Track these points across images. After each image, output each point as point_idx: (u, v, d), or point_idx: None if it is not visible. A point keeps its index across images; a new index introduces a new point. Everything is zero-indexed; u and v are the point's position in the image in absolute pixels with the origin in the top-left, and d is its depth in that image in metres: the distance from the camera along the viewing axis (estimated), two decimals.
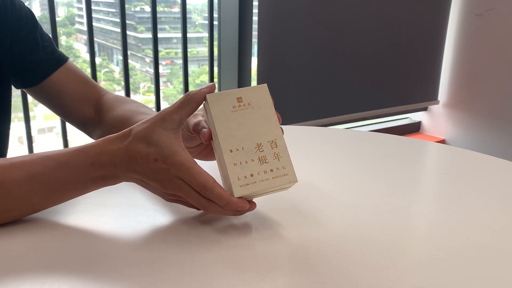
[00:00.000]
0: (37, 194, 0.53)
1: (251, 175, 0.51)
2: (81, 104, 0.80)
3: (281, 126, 0.55)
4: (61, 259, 0.48)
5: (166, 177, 0.50)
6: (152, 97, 1.98)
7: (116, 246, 0.50)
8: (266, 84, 0.55)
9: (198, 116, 0.58)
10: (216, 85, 2.08)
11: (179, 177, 0.50)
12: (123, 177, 0.53)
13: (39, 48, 0.76)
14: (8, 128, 0.78)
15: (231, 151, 0.51)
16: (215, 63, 2.09)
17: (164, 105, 2.14)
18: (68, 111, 0.81)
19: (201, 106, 0.54)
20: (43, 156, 0.53)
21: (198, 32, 2.55)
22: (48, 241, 0.51)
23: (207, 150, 0.63)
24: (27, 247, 0.50)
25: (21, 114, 1.71)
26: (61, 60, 0.79)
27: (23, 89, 0.80)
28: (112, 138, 0.53)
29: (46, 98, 0.80)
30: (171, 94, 2.96)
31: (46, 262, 0.47)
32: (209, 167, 0.55)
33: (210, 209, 0.52)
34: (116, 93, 0.84)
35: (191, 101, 0.52)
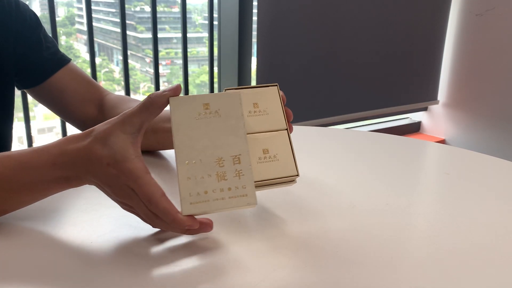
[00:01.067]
0: None
1: (205, 192, 0.46)
2: (83, 104, 0.80)
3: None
4: (61, 259, 0.48)
5: (117, 183, 0.48)
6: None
7: (116, 246, 0.50)
8: (239, 92, 0.51)
9: None
10: (216, 85, 2.09)
11: (128, 185, 0.47)
12: (85, 180, 0.50)
13: (42, 48, 0.77)
14: (11, 128, 0.79)
15: (187, 163, 0.47)
16: (215, 63, 2.09)
17: None
18: (71, 111, 0.81)
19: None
20: (3, 156, 0.51)
21: (198, 32, 2.55)
22: (48, 240, 0.51)
23: None
24: (27, 246, 0.50)
25: (21, 114, 1.71)
26: (64, 60, 0.80)
27: (26, 90, 0.81)
28: (74, 137, 0.50)
29: (49, 98, 0.80)
30: None
31: (46, 261, 0.47)
32: None
33: (157, 224, 0.49)
34: (116, 93, 0.85)
35: (153, 104, 0.49)
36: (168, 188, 0.52)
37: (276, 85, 0.56)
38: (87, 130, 0.50)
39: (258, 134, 0.53)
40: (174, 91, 0.49)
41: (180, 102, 0.48)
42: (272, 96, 0.55)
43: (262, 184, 0.51)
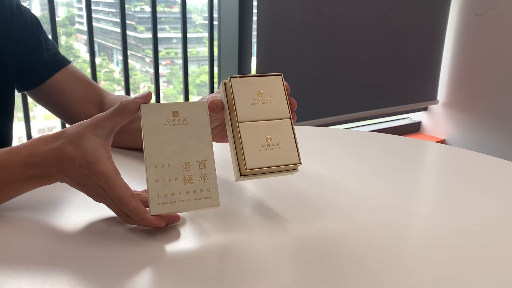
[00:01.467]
0: None
1: (172, 194, 0.50)
2: (83, 105, 0.81)
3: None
4: (61, 259, 0.48)
5: (89, 183, 0.51)
6: (152, 97, 1.97)
7: (116, 245, 0.50)
8: (206, 102, 0.54)
9: (217, 95, 0.59)
10: (216, 85, 2.09)
11: (100, 185, 0.50)
12: (57, 178, 0.53)
13: (42, 50, 0.78)
14: (11, 129, 0.79)
15: (156, 166, 0.50)
16: (215, 63, 2.09)
17: None
18: (71, 112, 0.81)
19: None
20: None
21: (198, 32, 2.55)
22: (47, 240, 0.51)
23: (223, 133, 0.64)
24: (26, 245, 0.50)
25: (21, 114, 1.71)
26: (64, 62, 0.80)
27: (26, 92, 0.81)
28: (45, 138, 0.53)
29: (49, 99, 0.81)
30: (171, 94, 2.96)
31: (45, 261, 0.47)
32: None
33: (127, 221, 0.52)
34: (116, 93, 0.85)
35: (124, 110, 0.52)
36: (138, 188, 0.55)
37: (281, 75, 0.57)
38: (57, 131, 0.52)
39: (261, 121, 0.54)
40: (145, 99, 0.52)
41: (151, 109, 0.52)
42: (276, 85, 0.56)
43: (264, 171, 0.52)
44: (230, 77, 0.54)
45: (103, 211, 0.57)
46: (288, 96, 0.57)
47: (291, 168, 0.54)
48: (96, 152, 0.50)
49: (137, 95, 0.53)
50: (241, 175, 0.52)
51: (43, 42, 0.78)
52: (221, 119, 0.60)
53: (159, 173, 0.50)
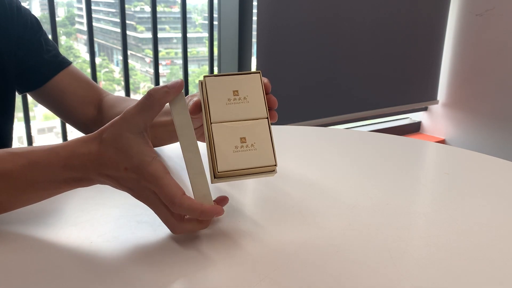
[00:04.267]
0: (4, 193, 0.51)
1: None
2: (84, 105, 0.81)
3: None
4: (61, 258, 0.48)
5: (137, 186, 0.48)
6: None
7: (116, 246, 0.50)
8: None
9: (195, 97, 0.57)
10: None
11: (149, 188, 0.48)
12: (97, 181, 0.51)
13: (42, 51, 0.78)
14: (11, 130, 0.79)
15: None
16: (215, 63, 2.09)
17: None
18: (71, 113, 0.81)
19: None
20: (13, 153, 0.51)
21: (198, 32, 2.55)
22: (47, 239, 0.51)
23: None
24: (28, 245, 0.50)
25: (21, 114, 1.71)
26: (64, 63, 0.81)
27: (27, 93, 0.81)
28: (84, 140, 0.50)
29: (49, 100, 0.81)
30: None
31: (45, 260, 0.47)
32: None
33: (177, 229, 0.50)
34: (116, 93, 0.85)
35: (153, 100, 0.49)
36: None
37: (259, 72, 0.54)
38: (95, 132, 0.50)
39: (236, 122, 0.52)
40: (177, 89, 0.50)
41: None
42: (254, 83, 0.54)
43: (237, 174, 0.51)
44: (204, 76, 0.53)
45: (103, 211, 0.57)
46: (267, 94, 0.55)
47: (266, 170, 0.52)
48: (140, 153, 0.47)
49: (166, 84, 0.51)
50: (214, 177, 0.51)
51: (44, 43, 0.79)
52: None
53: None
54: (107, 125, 0.50)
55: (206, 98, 0.52)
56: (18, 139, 2.04)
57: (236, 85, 0.53)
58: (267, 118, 0.53)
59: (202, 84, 0.53)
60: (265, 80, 0.55)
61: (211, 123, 0.51)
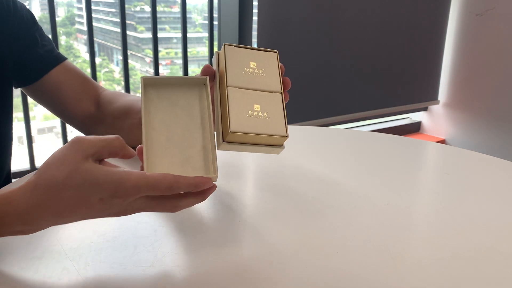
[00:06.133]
0: None
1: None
2: (80, 101, 0.80)
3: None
4: (61, 259, 0.48)
5: (124, 208, 0.44)
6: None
7: (116, 246, 0.50)
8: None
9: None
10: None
11: (136, 199, 0.43)
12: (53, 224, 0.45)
13: (38, 46, 0.78)
14: (11, 128, 0.79)
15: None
16: None
17: None
18: (67, 109, 0.80)
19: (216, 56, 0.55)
20: None
21: (198, 32, 2.55)
22: (47, 239, 0.51)
23: None
24: (27, 247, 0.50)
25: (21, 114, 1.71)
26: (60, 58, 0.80)
27: (22, 89, 0.81)
28: (22, 190, 0.43)
29: (45, 96, 0.80)
30: None
31: (45, 261, 0.47)
32: None
33: (177, 209, 0.46)
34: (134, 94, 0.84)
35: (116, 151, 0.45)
36: None
37: (276, 52, 0.56)
38: (25, 183, 0.44)
39: (251, 90, 0.52)
40: (126, 157, 0.47)
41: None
42: (270, 60, 0.55)
43: (248, 140, 0.49)
44: (225, 44, 0.54)
45: None
46: (282, 75, 0.55)
47: (276, 141, 0.50)
48: (107, 176, 0.42)
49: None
50: (223, 140, 0.49)
51: (39, 39, 0.78)
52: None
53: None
54: (46, 169, 0.43)
55: (224, 63, 0.52)
56: (18, 139, 2.04)
57: (254, 58, 0.54)
58: (281, 93, 0.53)
59: (220, 53, 0.54)
60: (281, 64, 0.56)
61: (227, 86, 0.51)
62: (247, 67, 0.53)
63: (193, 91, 0.51)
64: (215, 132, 0.50)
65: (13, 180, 0.74)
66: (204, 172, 0.46)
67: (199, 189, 0.45)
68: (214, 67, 0.55)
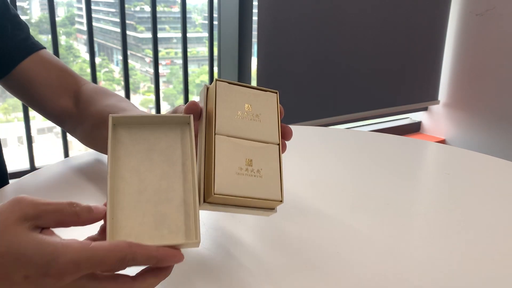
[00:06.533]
0: None
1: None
2: (56, 95, 0.72)
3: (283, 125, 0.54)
4: None
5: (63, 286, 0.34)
6: (152, 97, 1.98)
7: None
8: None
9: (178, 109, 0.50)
10: None
11: (78, 278, 0.34)
12: None
13: (7, 36, 0.71)
14: None
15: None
16: (215, 63, 2.08)
17: (164, 105, 2.14)
18: (43, 103, 0.73)
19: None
20: None
21: (198, 32, 2.55)
22: None
23: None
24: None
25: (20, 114, 1.71)
26: (34, 48, 0.72)
27: None
28: None
29: (19, 89, 0.74)
30: (171, 94, 2.96)
31: None
32: None
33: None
34: (116, 93, 0.81)
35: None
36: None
37: (276, 92, 0.47)
38: None
39: (243, 140, 0.43)
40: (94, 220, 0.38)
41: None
42: (269, 102, 0.46)
43: (234, 202, 0.41)
44: (216, 80, 0.45)
45: None
46: (281, 120, 0.47)
47: (268, 205, 0.43)
48: (38, 247, 0.33)
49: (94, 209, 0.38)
50: (204, 201, 0.41)
51: (9, 28, 0.71)
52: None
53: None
54: None
55: (213, 104, 0.44)
56: (18, 139, 2.04)
57: (249, 99, 0.46)
58: (279, 145, 0.45)
59: (210, 88, 0.46)
60: (280, 106, 0.47)
61: (214, 134, 0.42)
62: (240, 110, 0.45)
63: (173, 132, 0.43)
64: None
65: (10, 181, 0.73)
66: (183, 235, 0.38)
67: (163, 265, 0.36)
68: (201, 103, 0.46)
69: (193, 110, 0.45)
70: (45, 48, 0.74)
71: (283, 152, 0.46)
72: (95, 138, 0.69)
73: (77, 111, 0.72)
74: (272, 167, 0.43)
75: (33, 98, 0.73)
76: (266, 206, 0.43)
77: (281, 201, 0.43)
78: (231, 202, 0.41)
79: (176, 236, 0.37)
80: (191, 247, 0.38)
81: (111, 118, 0.41)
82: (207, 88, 0.46)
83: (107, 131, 0.41)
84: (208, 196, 0.41)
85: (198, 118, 0.45)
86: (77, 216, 0.37)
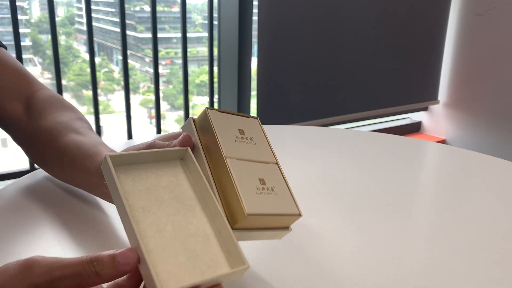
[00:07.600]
0: None
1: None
2: (7, 100, 0.66)
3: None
4: None
5: None
6: (152, 97, 1.98)
7: (117, 247, 0.50)
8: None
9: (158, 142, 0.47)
10: (216, 85, 2.09)
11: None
12: None
13: None
14: None
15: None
16: (215, 63, 2.08)
17: (163, 105, 2.14)
18: None
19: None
20: None
21: (198, 32, 2.55)
22: (47, 239, 0.51)
23: None
24: (27, 245, 0.50)
25: None
26: None
27: None
28: None
29: None
30: (171, 94, 2.96)
31: None
32: None
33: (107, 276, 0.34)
34: (116, 93, 0.80)
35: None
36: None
37: (257, 118, 0.49)
38: None
39: (250, 162, 0.43)
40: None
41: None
42: (254, 126, 0.47)
43: (263, 223, 0.41)
44: (207, 108, 0.44)
45: (104, 211, 0.56)
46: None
47: (289, 221, 0.43)
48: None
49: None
50: (233, 228, 0.39)
51: None
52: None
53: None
54: None
55: (212, 131, 0.43)
56: None
57: (239, 125, 0.46)
58: (277, 164, 0.45)
59: (197, 120, 0.45)
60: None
61: (225, 158, 0.41)
62: (236, 135, 0.44)
63: (172, 168, 0.42)
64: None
65: (10, 181, 0.73)
66: (226, 264, 0.36)
67: (125, 266, 0.34)
68: (193, 134, 0.45)
69: (188, 143, 0.43)
70: (5, 47, 0.69)
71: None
72: (73, 178, 0.59)
73: (27, 120, 0.65)
74: (281, 184, 0.43)
75: None
76: (286, 223, 0.43)
77: (300, 214, 0.42)
78: (258, 223, 0.40)
79: (217, 267, 0.36)
80: (240, 276, 0.36)
81: (109, 158, 0.38)
82: (193, 120, 0.45)
83: (104, 174, 0.38)
84: (235, 222, 0.39)
85: (192, 150, 0.44)
86: (98, 276, 0.33)
